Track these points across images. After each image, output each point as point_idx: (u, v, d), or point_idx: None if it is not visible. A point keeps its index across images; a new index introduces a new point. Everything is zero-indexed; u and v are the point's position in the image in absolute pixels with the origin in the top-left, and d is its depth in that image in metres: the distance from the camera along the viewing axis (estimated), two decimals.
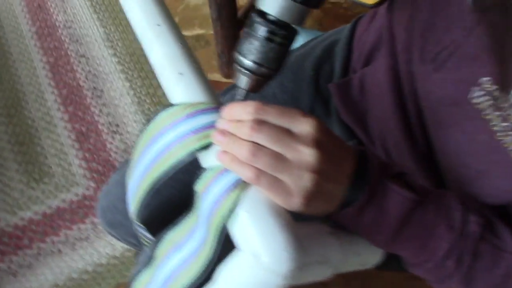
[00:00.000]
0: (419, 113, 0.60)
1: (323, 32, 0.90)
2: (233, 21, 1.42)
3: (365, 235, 0.50)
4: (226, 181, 0.47)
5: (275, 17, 0.48)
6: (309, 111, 0.80)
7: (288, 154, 0.45)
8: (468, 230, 0.50)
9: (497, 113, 0.49)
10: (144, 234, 0.67)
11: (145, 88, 1.64)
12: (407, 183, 0.50)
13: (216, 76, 1.64)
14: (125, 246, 1.33)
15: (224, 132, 0.48)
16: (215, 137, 0.48)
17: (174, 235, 0.54)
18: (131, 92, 1.63)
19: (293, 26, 0.49)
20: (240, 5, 1.48)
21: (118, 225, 0.79)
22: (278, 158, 0.45)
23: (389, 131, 0.66)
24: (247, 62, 0.49)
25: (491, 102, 0.49)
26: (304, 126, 0.45)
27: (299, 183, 0.45)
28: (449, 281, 0.52)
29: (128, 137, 1.53)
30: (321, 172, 0.45)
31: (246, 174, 0.45)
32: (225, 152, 0.47)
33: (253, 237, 0.44)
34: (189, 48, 0.56)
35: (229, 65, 1.57)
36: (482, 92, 0.48)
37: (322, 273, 0.47)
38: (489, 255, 0.51)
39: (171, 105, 0.52)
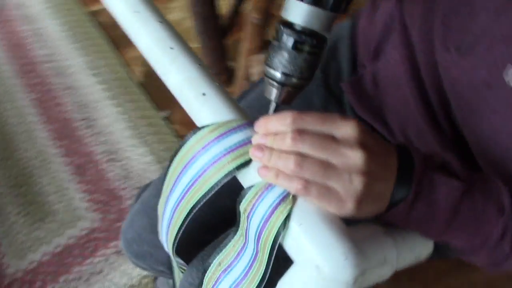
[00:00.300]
0: (443, 101, 0.60)
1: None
2: (219, 31, 1.41)
3: (416, 229, 0.49)
4: (272, 196, 0.45)
5: (302, 26, 0.47)
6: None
7: (334, 159, 0.44)
8: None
9: None
10: (180, 261, 0.65)
11: (137, 111, 1.62)
12: (451, 172, 0.49)
13: None
14: (142, 273, 1.31)
15: (262, 147, 0.47)
16: (253, 153, 0.47)
17: (221, 258, 0.53)
18: (124, 117, 1.61)
19: (322, 33, 0.48)
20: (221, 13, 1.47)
21: (147, 255, 0.78)
22: (325, 165, 0.44)
23: (411, 121, 0.66)
24: (278, 75, 0.48)
25: None
26: (346, 129, 0.45)
27: (349, 187, 0.44)
28: (505, 263, 0.52)
29: (127, 163, 1.51)
30: (370, 173, 0.44)
31: (294, 186, 0.44)
32: (266, 167, 0.46)
33: (311, 249, 0.43)
34: (206, 67, 0.55)
35: (220, 76, 1.56)
36: None
37: (383, 275, 0.46)
38: None
39: (198, 128, 0.51)
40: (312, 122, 0.45)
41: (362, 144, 0.44)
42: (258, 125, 0.48)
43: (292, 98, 0.50)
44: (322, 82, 0.78)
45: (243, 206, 0.47)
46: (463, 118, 0.57)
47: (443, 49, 0.55)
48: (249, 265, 0.50)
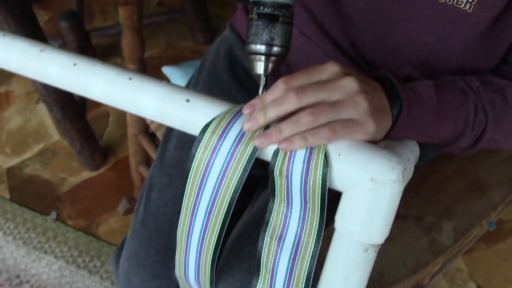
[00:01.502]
0: (351, 42, 0.70)
1: (200, 59, 0.96)
2: (78, 111, 1.38)
3: (418, 133, 0.57)
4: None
5: (271, 1, 0.53)
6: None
7: (335, 95, 0.49)
8: (475, 88, 0.61)
9: None
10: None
11: (21, 227, 1.49)
12: (415, 78, 0.58)
13: (87, 175, 1.57)
14: None
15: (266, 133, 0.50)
16: (261, 142, 0.50)
17: (270, 232, 0.55)
18: (10, 238, 1.47)
19: (289, 3, 0.54)
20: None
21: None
22: (333, 103, 0.49)
23: None
24: (263, 48, 0.54)
25: None
26: (329, 69, 0.51)
27: (359, 108, 0.49)
28: (483, 137, 0.62)
29: (37, 280, 1.38)
30: (367, 91, 0.50)
31: (323, 135, 0.48)
32: (287, 139, 0.49)
33: (360, 169, 0.48)
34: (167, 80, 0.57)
35: (93, 155, 1.51)
36: None
37: (411, 170, 0.53)
38: (499, 97, 0.62)
39: (199, 138, 0.52)
40: (301, 77, 0.51)
41: (347, 72, 0.51)
42: (254, 106, 0.51)
43: (278, 68, 0.55)
44: (238, 80, 0.85)
45: (277, 171, 0.51)
46: (375, 38, 0.67)
47: None
48: (301, 220, 0.53)
